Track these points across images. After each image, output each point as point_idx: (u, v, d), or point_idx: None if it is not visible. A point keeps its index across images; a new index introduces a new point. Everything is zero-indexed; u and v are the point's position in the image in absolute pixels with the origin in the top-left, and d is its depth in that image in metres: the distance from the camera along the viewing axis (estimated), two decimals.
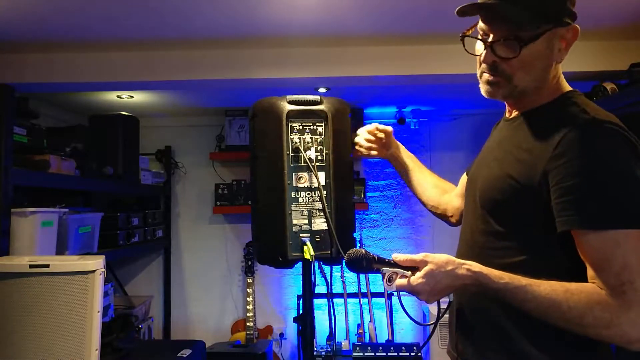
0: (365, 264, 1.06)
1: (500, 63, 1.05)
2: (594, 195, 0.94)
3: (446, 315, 1.26)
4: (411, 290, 1.02)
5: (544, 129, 1.03)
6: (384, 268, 1.06)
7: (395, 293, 1.07)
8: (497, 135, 1.22)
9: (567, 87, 1.11)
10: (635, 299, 0.90)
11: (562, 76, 1.11)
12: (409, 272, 1.04)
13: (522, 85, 1.07)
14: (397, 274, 1.05)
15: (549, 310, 0.95)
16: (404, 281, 1.03)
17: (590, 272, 0.96)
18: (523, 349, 1.03)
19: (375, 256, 1.07)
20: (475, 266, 1.02)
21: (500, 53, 1.04)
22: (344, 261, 1.11)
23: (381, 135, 1.52)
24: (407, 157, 1.57)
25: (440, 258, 1.02)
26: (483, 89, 1.11)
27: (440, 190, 1.51)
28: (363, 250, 1.07)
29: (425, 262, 1.02)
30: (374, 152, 1.55)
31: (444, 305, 1.11)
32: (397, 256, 1.06)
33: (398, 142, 1.57)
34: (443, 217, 1.50)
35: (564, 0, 1.03)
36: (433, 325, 1.11)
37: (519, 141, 1.08)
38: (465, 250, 1.19)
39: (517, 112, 1.15)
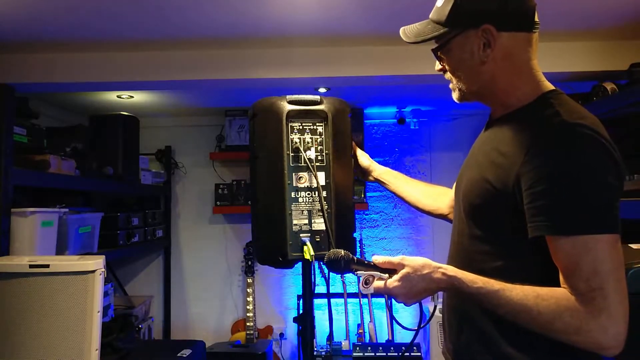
0: (343, 265, 1.08)
1: (445, 72, 1.17)
2: (563, 200, 0.93)
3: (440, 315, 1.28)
4: (388, 292, 1.05)
5: (518, 132, 1.03)
6: (359, 271, 1.08)
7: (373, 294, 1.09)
8: (481, 138, 1.23)
9: (548, 87, 1.09)
10: (604, 305, 0.89)
11: (541, 77, 1.09)
12: (386, 275, 1.06)
13: (464, 87, 1.14)
14: (373, 277, 1.07)
15: (520, 315, 0.95)
16: (380, 284, 1.06)
17: (561, 277, 0.95)
18: (505, 351, 1.03)
19: (355, 257, 1.09)
20: (451, 270, 1.03)
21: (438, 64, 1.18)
22: (324, 261, 1.13)
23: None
24: (385, 172, 1.59)
25: (417, 261, 1.04)
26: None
27: (432, 197, 1.52)
28: (342, 252, 1.09)
29: (402, 265, 1.04)
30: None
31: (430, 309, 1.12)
32: (377, 258, 1.09)
33: (370, 163, 1.60)
34: (442, 218, 1.51)
35: (472, 5, 1.05)
36: (416, 330, 1.14)
37: (497, 144, 1.08)
38: (454, 254, 1.20)
39: (497, 115, 1.15)
